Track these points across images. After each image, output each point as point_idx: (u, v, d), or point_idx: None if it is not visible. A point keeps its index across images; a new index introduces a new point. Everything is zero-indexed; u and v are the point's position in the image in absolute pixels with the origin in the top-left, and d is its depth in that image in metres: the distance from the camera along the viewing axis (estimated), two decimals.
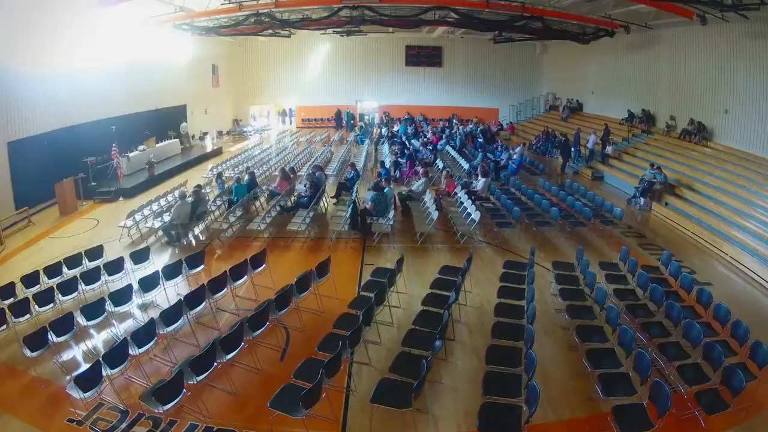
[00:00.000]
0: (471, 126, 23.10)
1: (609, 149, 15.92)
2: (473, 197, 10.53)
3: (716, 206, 10.71)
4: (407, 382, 4.45)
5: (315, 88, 26.12)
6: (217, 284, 6.53)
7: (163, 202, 10.81)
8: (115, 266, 7.37)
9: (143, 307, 6.75)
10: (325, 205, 11.58)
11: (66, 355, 5.74)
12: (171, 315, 5.78)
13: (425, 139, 19.29)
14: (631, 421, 4.11)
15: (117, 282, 7.15)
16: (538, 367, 4.60)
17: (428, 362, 4.55)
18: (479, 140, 18.99)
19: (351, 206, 9.80)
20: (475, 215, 9.37)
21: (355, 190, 11.39)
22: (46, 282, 7.09)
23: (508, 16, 13.67)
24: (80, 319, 5.92)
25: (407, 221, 10.29)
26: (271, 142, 20.86)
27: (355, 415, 4.70)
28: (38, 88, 11.58)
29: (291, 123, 26.69)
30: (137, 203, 10.84)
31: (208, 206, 10.31)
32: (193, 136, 20.72)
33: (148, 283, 6.70)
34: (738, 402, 4.46)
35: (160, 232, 9.56)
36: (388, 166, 13.58)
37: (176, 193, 11.00)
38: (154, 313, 6.09)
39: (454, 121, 24.37)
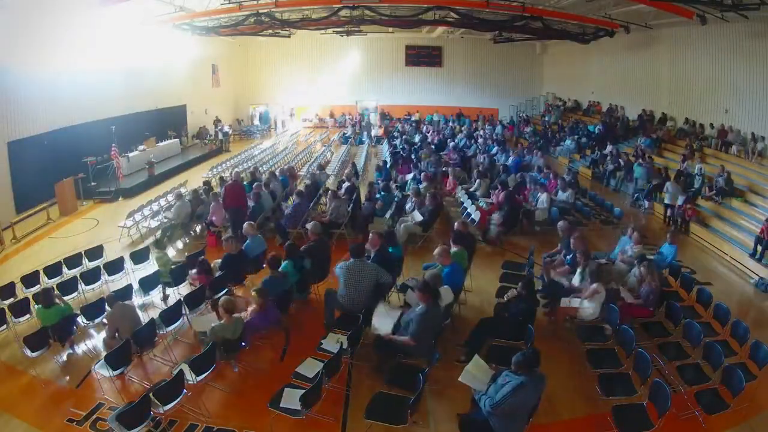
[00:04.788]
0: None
1: (609, 149, 15.92)
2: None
3: (716, 206, 10.70)
4: (403, 396, 4.35)
5: (315, 88, 26.09)
6: (217, 284, 6.53)
7: (163, 202, 10.81)
8: (115, 266, 7.38)
9: (143, 308, 6.75)
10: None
11: (66, 355, 5.74)
12: (171, 315, 5.78)
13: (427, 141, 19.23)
14: (631, 421, 4.11)
15: (117, 282, 7.15)
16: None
17: (425, 374, 4.48)
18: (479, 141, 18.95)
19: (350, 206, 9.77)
20: (475, 215, 9.38)
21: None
22: (46, 282, 7.09)
23: (508, 16, 13.66)
24: (80, 319, 5.93)
25: None
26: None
27: (355, 415, 4.69)
28: (38, 88, 11.56)
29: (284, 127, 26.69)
30: (137, 203, 10.84)
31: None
32: (193, 136, 20.72)
33: (148, 283, 6.71)
34: (738, 402, 4.45)
35: (159, 233, 9.54)
36: (388, 167, 13.55)
37: (173, 194, 10.99)
38: (154, 313, 6.09)
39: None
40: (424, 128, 22.46)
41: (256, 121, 25.79)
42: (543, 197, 9.88)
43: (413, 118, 24.82)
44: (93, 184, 12.86)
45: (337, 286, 5.91)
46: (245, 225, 7.61)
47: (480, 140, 18.19)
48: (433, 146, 16.66)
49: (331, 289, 6.05)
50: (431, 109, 25.84)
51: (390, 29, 21.20)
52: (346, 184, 10.81)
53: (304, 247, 6.78)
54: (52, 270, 7.33)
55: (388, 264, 6.28)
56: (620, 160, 14.07)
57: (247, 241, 7.27)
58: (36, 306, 5.92)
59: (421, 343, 4.92)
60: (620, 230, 8.48)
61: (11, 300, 6.55)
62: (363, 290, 5.69)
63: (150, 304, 6.81)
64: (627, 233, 7.56)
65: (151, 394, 4.28)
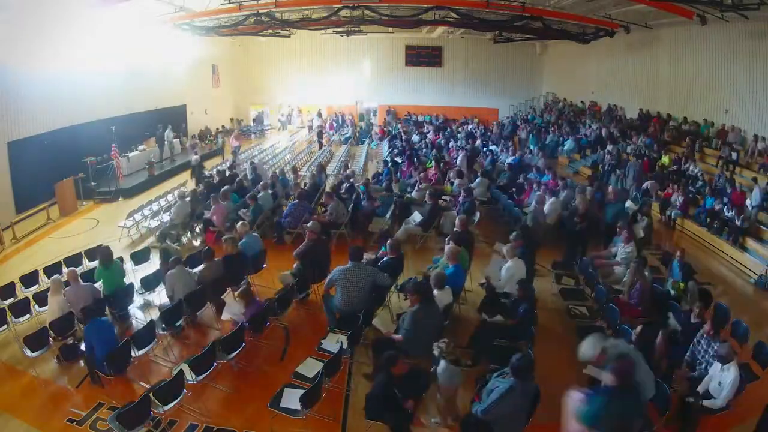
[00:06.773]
0: (471, 126, 23.06)
1: (609, 149, 15.90)
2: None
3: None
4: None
5: (315, 88, 26.08)
6: (218, 286, 6.52)
7: (163, 201, 10.80)
8: None
9: (143, 308, 6.75)
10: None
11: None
12: (171, 315, 5.78)
13: (426, 140, 19.23)
14: None
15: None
16: (538, 367, 4.58)
17: (426, 378, 4.47)
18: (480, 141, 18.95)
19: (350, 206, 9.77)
20: (475, 215, 9.35)
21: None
22: (46, 282, 7.08)
23: (508, 16, 13.65)
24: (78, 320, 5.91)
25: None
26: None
27: (355, 415, 4.69)
28: (38, 88, 11.55)
29: (291, 123, 26.72)
30: (137, 203, 10.84)
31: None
32: (193, 136, 20.64)
33: (149, 283, 6.71)
34: (738, 402, 4.45)
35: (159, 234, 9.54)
36: (390, 166, 13.55)
37: (175, 193, 10.98)
38: (154, 313, 6.09)
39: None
40: (425, 128, 22.46)
41: (265, 120, 25.94)
42: (550, 200, 9.36)
43: (414, 119, 24.87)
44: (93, 184, 12.84)
45: (334, 292, 5.83)
46: (238, 225, 7.62)
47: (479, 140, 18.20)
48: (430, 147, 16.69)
49: (329, 294, 6.02)
50: (431, 110, 25.85)
51: (390, 29, 21.18)
52: (345, 185, 10.82)
53: (300, 248, 6.78)
54: (52, 270, 7.30)
55: (396, 269, 6.48)
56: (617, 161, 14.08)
57: (243, 240, 7.21)
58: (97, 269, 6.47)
59: (416, 343, 4.89)
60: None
61: (11, 300, 6.55)
62: (361, 293, 5.68)
63: (150, 304, 6.81)
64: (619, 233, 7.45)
65: (151, 394, 4.28)
